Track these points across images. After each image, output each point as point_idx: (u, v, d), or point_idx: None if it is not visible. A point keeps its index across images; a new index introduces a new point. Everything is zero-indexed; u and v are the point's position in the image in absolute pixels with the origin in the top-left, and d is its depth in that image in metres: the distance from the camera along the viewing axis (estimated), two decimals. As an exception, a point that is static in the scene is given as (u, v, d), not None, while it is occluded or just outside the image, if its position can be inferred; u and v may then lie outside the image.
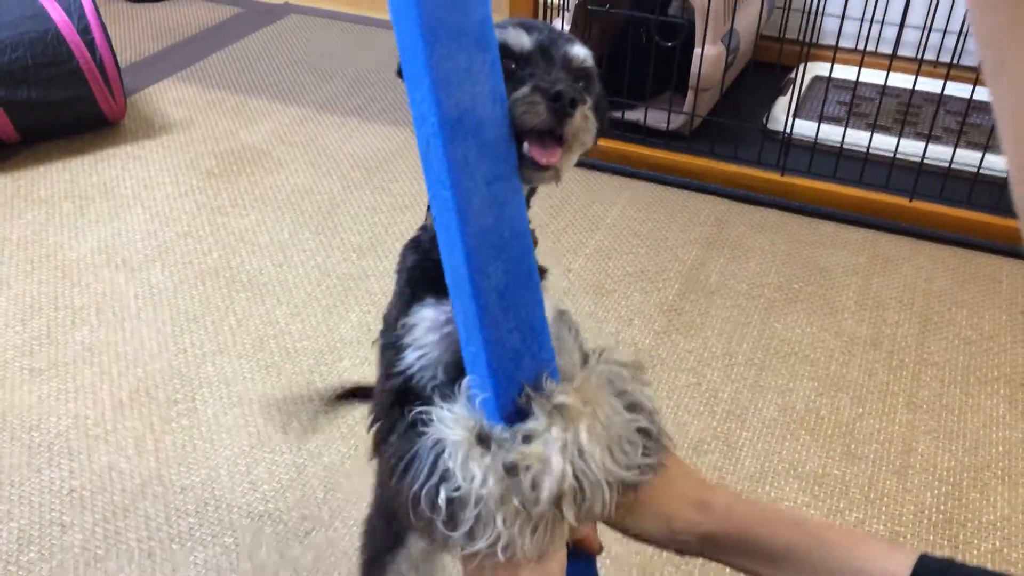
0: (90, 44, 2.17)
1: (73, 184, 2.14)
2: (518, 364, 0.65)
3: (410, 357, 0.71)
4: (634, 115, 2.28)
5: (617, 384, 0.69)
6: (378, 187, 2.18)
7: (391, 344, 0.73)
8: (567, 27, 2.25)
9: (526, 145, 0.65)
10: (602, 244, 1.99)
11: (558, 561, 0.65)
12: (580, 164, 2.27)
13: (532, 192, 0.75)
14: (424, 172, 0.65)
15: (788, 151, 2.13)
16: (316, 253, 1.94)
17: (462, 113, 0.61)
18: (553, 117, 0.64)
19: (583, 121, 0.65)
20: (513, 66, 0.68)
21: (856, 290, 1.87)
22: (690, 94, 2.22)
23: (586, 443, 0.63)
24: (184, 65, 2.77)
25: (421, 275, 0.74)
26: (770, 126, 2.32)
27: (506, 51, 0.67)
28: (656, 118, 2.25)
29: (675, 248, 1.99)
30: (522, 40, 0.69)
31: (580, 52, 0.72)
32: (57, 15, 2.15)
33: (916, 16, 2.36)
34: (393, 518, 0.97)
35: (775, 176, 2.12)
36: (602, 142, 2.22)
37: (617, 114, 2.29)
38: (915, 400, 1.60)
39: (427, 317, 0.72)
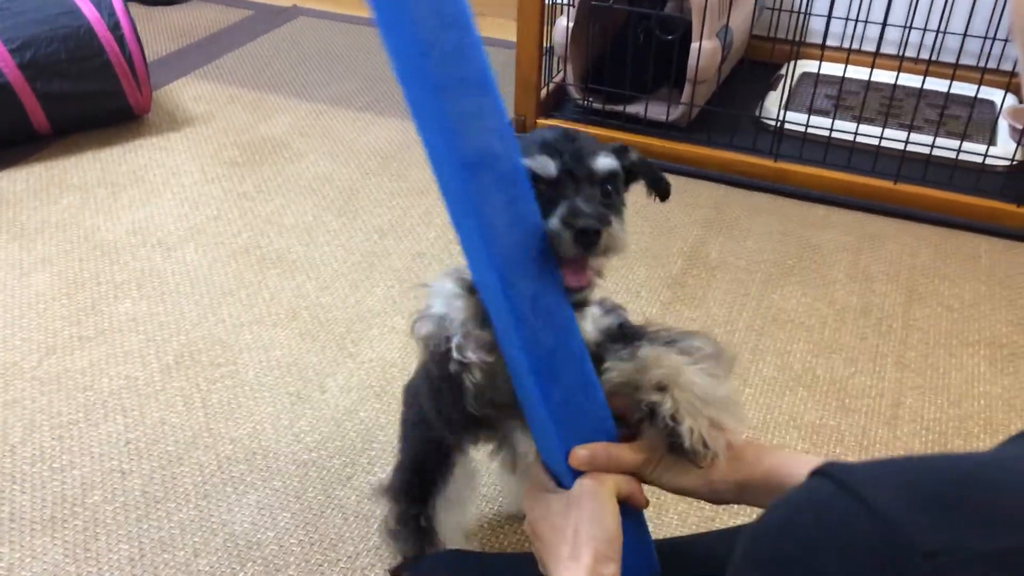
0: (120, 40, 2.28)
1: (105, 172, 2.25)
2: (553, 357, 0.73)
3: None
4: (635, 108, 2.41)
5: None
6: (395, 174, 2.30)
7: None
8: (571, 24, 2.38)
9: (561, 272, 0.74)
10: (608, 225, 2.12)
11: (612, 515, 0.72)
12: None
13: None
14: (448, 207, 0.73)
15: (781, 140, 2.27)
16: (340, 234, 2.06)
17: (477, 151, 0.69)
18: (581, 248, 0.73)
19: (610, 239, 0.74)
20: (543, 188, 0.76)
21: (846, 265, 2.01)
22: (688, 86, 2.36)
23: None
24: (200, 64, 2.88)
25: None
26: (763, 117, 2.47)
27: (535, 177, 0.76)
28: (656, 111, 2.39)
29: (677, 229, 2.12)
30: (548, 167, 0.77)
31: (603, 164, 0.78)
32: (89, 12, 2.26)
33: (897, 16, 2.52)
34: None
35: (769, 163, 2.26)
36: (605, 132, 2.37)
37: (619, 107, 2.42)
38: (903, 360, 1.73)
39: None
